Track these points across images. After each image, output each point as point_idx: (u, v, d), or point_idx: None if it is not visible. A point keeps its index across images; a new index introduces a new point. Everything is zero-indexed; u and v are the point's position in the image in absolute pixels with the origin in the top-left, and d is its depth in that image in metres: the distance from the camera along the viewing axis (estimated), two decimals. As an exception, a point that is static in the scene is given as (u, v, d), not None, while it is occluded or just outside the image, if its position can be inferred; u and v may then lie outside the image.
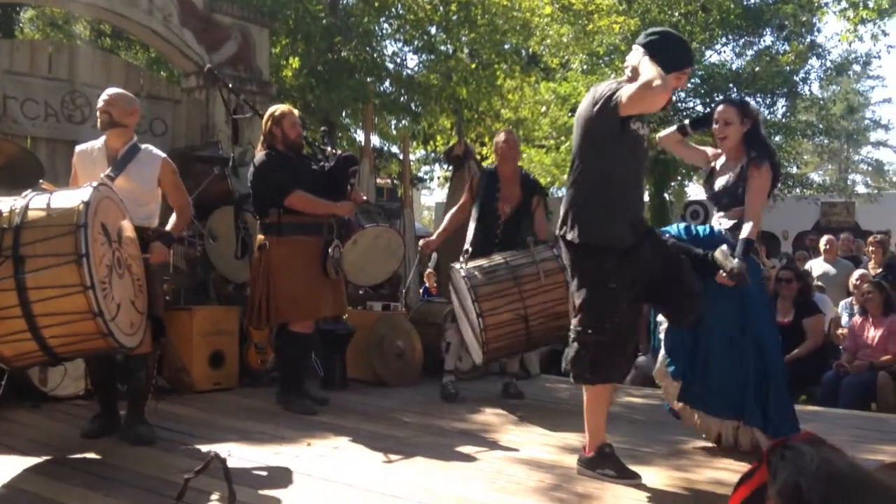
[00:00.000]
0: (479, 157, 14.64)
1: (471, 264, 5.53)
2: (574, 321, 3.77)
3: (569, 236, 3.75)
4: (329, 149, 5.70)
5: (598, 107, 3.64)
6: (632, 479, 3.67)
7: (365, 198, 6.23)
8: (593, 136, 3.69)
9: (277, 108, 5.49)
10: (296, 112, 5.53)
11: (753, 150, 4.29)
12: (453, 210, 6.41)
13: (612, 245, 3.68)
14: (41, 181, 4.01)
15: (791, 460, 1.07)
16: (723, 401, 4.19)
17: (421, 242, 6.58)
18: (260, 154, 5.35)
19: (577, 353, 3.72)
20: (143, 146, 4.63)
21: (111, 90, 4.61)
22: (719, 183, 4.40)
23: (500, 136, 6.17)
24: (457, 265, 5.60)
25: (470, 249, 5.72)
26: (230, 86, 6.35)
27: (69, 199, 3.70)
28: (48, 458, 4.00)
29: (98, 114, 4.55)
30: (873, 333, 6.51)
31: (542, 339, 5.56)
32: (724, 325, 4.17)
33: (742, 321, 4.20)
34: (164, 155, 4.67)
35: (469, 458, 4.17)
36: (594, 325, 3.67)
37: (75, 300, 3.52)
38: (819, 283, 8.35)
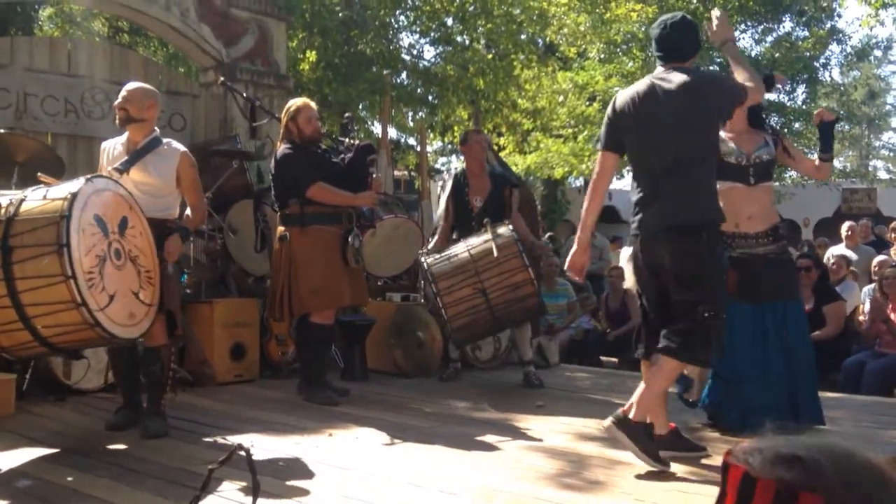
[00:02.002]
0: (496, 147, 14.62)
1: (434, 254, 5.75)
2: (684, 302, 3.63)
3: (675, 220, 3.65)
4: (347, 140, 5.71)
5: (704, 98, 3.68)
6: (660, 466, 3.63)
7: (382, 190, 6.27)
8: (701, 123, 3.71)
9: (294, 104, 5.50)
10: (313, 106, 5.53)
11: (764, 125, 4.58)
12: (443, 222, 6.45)
13: (718, 222, 3.72)
14: (39, 174, 4.04)
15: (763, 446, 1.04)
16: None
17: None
18: (282, 147, 5.38)
19: (693, 333, 3.61)
20: (166, 140, 4.64)
21: (129, 85, 4.62)
22: (756, 155, 4.41)
23: (467, 131, 6.54)
24: (422, 257, 5.82)
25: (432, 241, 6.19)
26: (244, 94, 6.35)
27: (61, 191, 3.74)
28: (73, 450, 4.04)
29: (116, 111, 4.57)
30: (894, 318, 6.46)
31: (508, 314, 5.59)
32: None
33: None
34: (183, 148, 4.67)
35: (490, 447, 4.18)
36: (711, 302, 3.60)
37: (58, 290, 3.55)
38: (854, 269, 8.27)
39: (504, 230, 5.56)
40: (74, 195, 3.67)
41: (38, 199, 3.72)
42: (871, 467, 0.98)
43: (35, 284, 3.55)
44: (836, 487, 0.94)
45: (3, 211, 3.64)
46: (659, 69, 3.82)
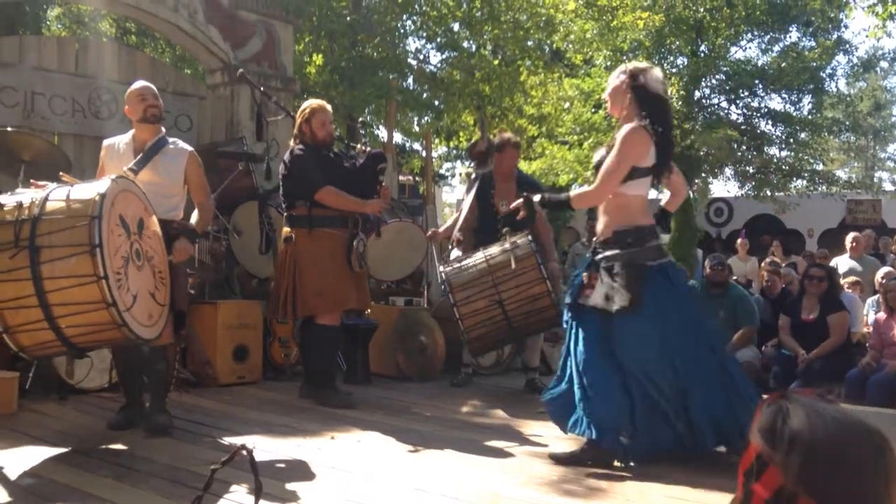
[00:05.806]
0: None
1: (452, 262, 5.71)
2: None
3: None
4: (358, 146, 5.71)
5: None
6: None
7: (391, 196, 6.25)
8: None
9: (309, 105, 5.46)
10: (329, 109, 5.49)
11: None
12: (465, 211, 6.36)
13: None
14: (61, 173, 4.05)
15: (774, 404, 1.08)
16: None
17: (428, 234, 6.71)
18: (293, 148, 5.37)
19: None
20: (172, 140, 4.66)
21: (151, 85, 4.67)
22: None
23: (505, 138, 6.40)
24: (439, 266, 5.80)
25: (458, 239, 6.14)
26: (262, 89, 6.32)
27: (87, 191, 3.73)
28: (76, 449, 4.04)
29: (146, 107, 4.54)
30: (897, 333, 6.44)
31: (525, 325, 5.59)
32: None
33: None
34: (190, 149, 4.69)
35: (492, 452, 4.18)
36: None
37: (89, 290, 3.56)
38: (856, 279, 8.23)
39: (522, 240, 5.51)
40: (103, 195, 3.67)
41: (62, 198, 3.71)
42: (867, 430, 1.00)
43: (64, 284, 3.55)
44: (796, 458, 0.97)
45: (26, 211, 3.64)
46: None
